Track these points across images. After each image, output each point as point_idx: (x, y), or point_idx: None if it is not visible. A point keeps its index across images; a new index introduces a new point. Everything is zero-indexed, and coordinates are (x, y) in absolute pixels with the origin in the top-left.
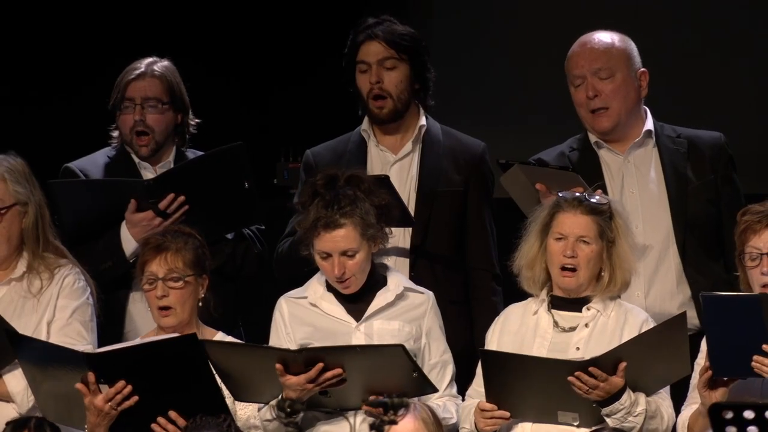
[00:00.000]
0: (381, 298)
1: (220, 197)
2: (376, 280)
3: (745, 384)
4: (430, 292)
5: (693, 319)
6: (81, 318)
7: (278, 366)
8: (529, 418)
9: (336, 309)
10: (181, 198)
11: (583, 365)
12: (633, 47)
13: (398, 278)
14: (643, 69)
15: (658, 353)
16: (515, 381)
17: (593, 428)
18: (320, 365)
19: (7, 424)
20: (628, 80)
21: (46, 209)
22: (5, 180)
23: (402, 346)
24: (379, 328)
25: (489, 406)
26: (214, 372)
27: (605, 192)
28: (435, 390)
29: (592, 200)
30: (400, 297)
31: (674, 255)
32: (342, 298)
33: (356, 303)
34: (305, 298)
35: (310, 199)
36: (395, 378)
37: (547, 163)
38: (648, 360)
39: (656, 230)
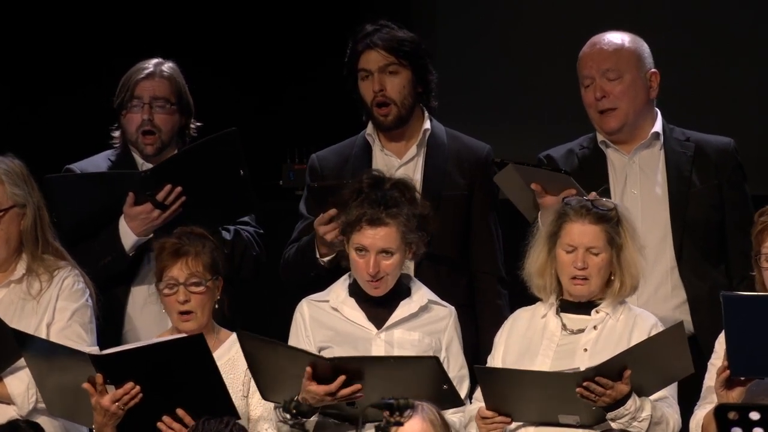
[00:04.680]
0: (404, 308)
1: (216, 186)
2: (399, 288)
3: (762, 384)
4: (452, 307)
5: (687, 324)
6: (80, 320)
7: (308, 370)
8: (530, 422)
9: (357, 315)
10: (179, 189)
11: (579, 376)
12: (644, 48)
13: (423, 290)
14: (654, 70)
15: (659, 359)
16: (513, 394)
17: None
18: (342, 379)
19: None
20: (637, 81)
21: (45, 211)
22: (2, 182)
23: (436, 358)
24: (399, 338)
25: (489, 413)
26: (243, 370)
27: (608, 195)
28: (462, 404)
29: (599, 208)
30: (423, 309)
31: (670, 257)
32: (364, 304)
33: (378, 310)
34: (327, 301)
35: (354, 196)
36: (424, 390)
37: (555, 159)
38: (649, 365)
39: (654, 232)
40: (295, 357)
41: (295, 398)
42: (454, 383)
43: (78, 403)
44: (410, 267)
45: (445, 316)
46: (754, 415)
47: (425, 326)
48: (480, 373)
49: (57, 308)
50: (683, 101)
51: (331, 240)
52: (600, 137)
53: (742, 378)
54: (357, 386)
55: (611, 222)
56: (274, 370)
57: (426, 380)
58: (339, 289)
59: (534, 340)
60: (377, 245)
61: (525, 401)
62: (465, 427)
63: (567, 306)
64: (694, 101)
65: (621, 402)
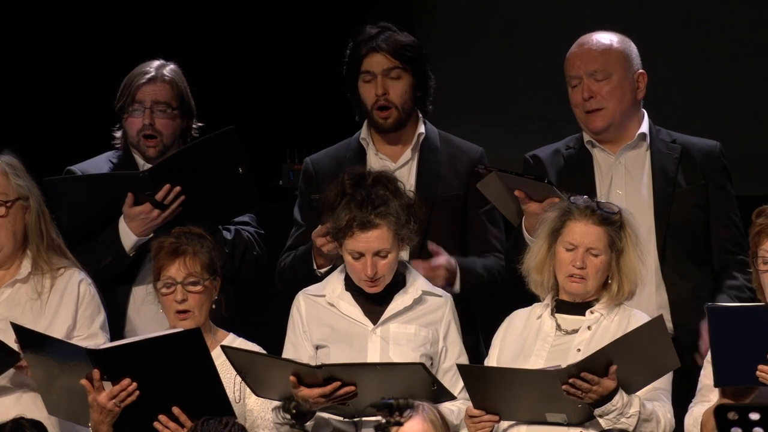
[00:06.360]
0: (398, 301)
1: (215, 184)
2: (395, 280)
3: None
4: (449, 294)
5: (668, 323)
6: (106, 334)
7: (292, 378)
8: (519, 420)
9: (354, 310)
10: (178, 188)
11: (562, 374)
12: (632, 48)
13: (418, 281)
14: (641, 71)
15: (643, 353)
16: (498, 393)
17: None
18: (336, 384)
19: None
20: (624, 82)
21: (45, 207)
22: (7, 174)
23: (422, 365)
24: (395, 332)
25: (477, 412)
26: (235, 370)
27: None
28: (453, 397)
29: (604, 210)
30: (417, 301)
31: (653, 257)
32: (359, 299)
33: (374, 304)
34: (323, 296)
35: (338, 198)
36: (414, 391)
37: (541, 160)
38: (633, 360)
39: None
40: (280, 367)
41: (295, 399)
42: (451, 372)
43: (84, 406)
44: (405, 256)
45: (440, 306)
46: (754, 415)
47: (421, 318)
48: (463, 372)
49: (80, 315)
50: (683, 100)
51: (329, 251)
52: (586, 137)
53: (729, 387)
54: (350, 388)
55: (614, 225)
56: (263, 377)
57: (415, 383)
58: (335, 283)
59: (528, 340)
60: (371, 248)
61: (511, 400)
62: (461, 419)
63: (563, 306)
64: (693, 101)
65: (608, 398)
